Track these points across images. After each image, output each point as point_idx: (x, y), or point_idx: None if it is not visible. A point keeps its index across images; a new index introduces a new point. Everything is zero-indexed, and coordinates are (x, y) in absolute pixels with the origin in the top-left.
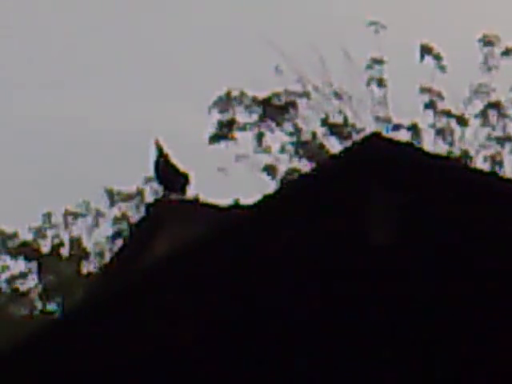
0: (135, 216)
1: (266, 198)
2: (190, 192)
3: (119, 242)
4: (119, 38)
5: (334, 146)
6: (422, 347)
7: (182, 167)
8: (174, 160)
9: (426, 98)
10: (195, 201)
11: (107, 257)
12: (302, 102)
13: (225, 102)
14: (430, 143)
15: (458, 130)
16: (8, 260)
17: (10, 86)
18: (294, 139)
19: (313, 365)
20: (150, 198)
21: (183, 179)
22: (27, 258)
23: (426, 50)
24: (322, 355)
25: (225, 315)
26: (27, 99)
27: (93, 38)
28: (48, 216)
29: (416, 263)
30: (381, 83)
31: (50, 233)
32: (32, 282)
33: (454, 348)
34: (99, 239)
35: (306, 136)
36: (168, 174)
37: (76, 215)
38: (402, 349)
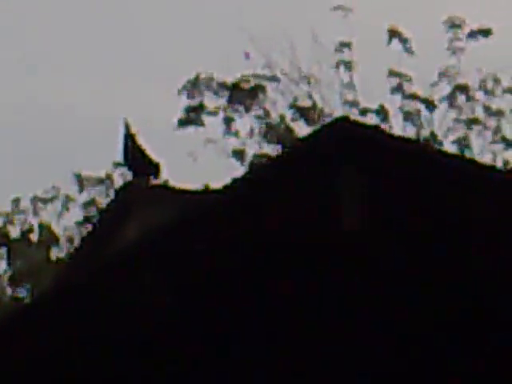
0: (104, 201)
1: (235, 182)
2: (160, 177)
3: (88, 227)
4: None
5: (303, 129)
6: (395, 334)
7: (152, 153)
8: (144, 144)
9: (394, 81)
10: (164, 185)
11: (77, 242)
12: (270, 86)
13: (193, 86)
14: (399, 127)
15: (426, 113)
16: None
17: None
18: (263, 123)
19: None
20: (119, 182)
21: (152, 164)
22: None
23: (393, 34)
24: (298, 340)
25: (194, 300)
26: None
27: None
28: (17, 202)
29: (386, 247)
30: (349, 67)
31: (18, 218)
32: (1, 268)
33: (427, 335)
34: (69, 224)
35: (274, 120)
36: (136, 156)
37: (45, 200)
38: (372, 334)
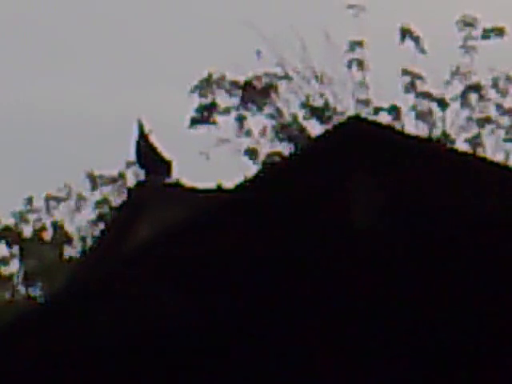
0: (117, 200)
1: (247, 182)
2: (173, 176)
3: (101, 226)
4: (101, 22)
5: (315, 128)
6: (409, 331)
7: (164, 152)
8: (156, 143)
9: (406, 80)
10: (177, 184)
11: (90, 241)
12: (282, 85)
13: (205, 85)
14: (411, 126)
15: (438, 111)
16: None
17: None
18: (275, 122)
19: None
20: (131, 181)
21: (165, 163)
22: (9, 243)
23: (405, 33)
24: (310, 340)
25: (209, 299)
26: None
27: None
28: (30, 200)
29: (400, 246)
30: (361, 66)
31: (31, 217)
32: (14, 266)
33: (438, 331)
34: (81, 223)
35: (286, 119)
36: (148, 155)
37: (58, 199)
38: (388, 332)
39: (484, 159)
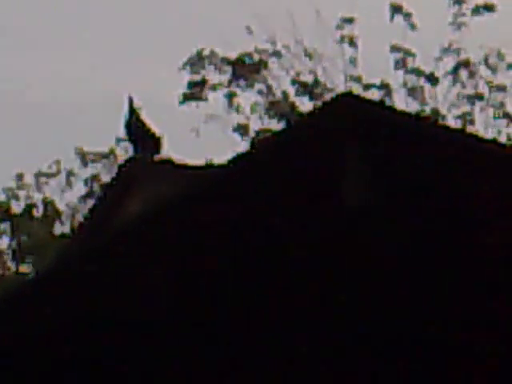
0: (107, 176)
1: (238, 158)
2: (163, 153)
3: (92, 203)
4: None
5: (306, 105)
6: (397, 309)
7: (154, 128)
8: (147, 119)
9: (397, 57)
10: (167, 160)
11: (80, 217)
12: (273, 62)
13: (196, 61)
14: (402, 102)
15: (429, 88)
16: None
17: None
18: (265, 99)
19: (287, 324)
20: (122, 158)
21: (155, 140)
22: (0, 219)
23: (395, 9)
24: (297, 323)
25: (198, 274)
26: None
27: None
28: (20, 177)
29: (389, 224)
30: (352, 42)
31: (22, 194)
32: (5, 242)
33: (427, 309)
34: (72, 200)
35: (277, 95)
36: (138, 131)
37: (48, 176)
38: (378, 310)
39: (474, 136)
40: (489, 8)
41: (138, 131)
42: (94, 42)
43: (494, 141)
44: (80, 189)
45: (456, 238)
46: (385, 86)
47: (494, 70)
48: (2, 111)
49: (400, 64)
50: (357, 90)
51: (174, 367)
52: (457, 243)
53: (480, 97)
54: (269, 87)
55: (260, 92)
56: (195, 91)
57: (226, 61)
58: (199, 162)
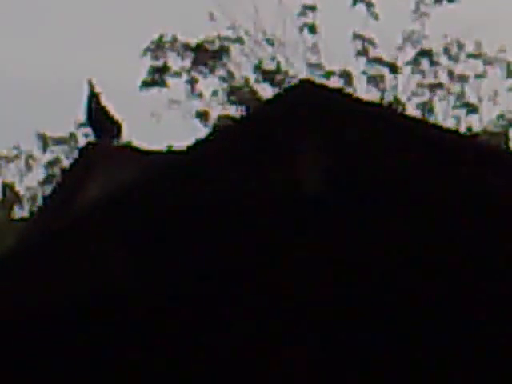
0: (68, 161)
1: (198, 144)
2: (123, 138)
3: (51, 187)
4: None
5: (267, 92)
6: (360, 298)
7: (115, 114)
8: (107, 104)
9: (358, 45)
10: (128, 146)
11: (40, 202)
12: (234, 48)
13: (157, 47)
14: (363, 90)
15: (390, 77)
16: None
17: None
18: (226, 85)
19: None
20: (82, 142)
21: (116, 125)
22: None
23: None
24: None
25: (155, 261)
26: None
27: None
28: None
29: (349, 211)
30: (313, 30)
31: None
32: None
33: (388, 293)
34: (32, 184)
35: (238, 82)
36: (99, 116)
37: (8, 159)
38: (339, 300)
39: (434, 125)
40: None
41: (98, 116)
42: (55, 25)
43: (453, 130)
44: (40, 173)
45: (415, 222)
46: (345, 74)
47: (454, 59)
48: None
49: (361, 52)
50: (318, 77)
51: (135, 354)
52: (414, 229)
53: (440, 86)
54: (230, 73)
55: (221, 78)
56: (156, 77)
57: (187, 47)
58: (160, 147)
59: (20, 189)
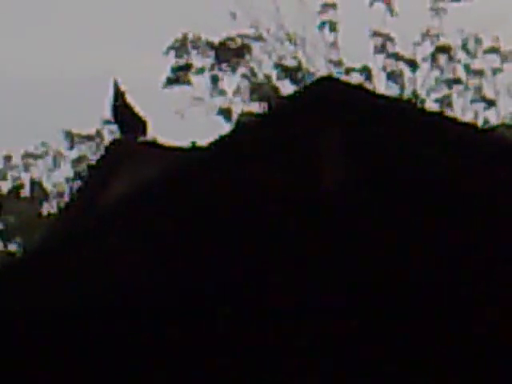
0: (94, 157)
1: (221, 140)
2: (148, 135)
3: (78, 183)
4: None
5: (288, 88)
6: (376, 288)
7: (139, 111)
8: (132, 102)
9: (377, 41)
10: (153, 142)
11: (67, 198)
12: (256, 46)
13: (180, 46)
14: (382, 86)
15: (408, 72)
16: None
17: None
18: (248, 82)
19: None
20: (108, 139)
21: (141, 122)
22: None
23: None
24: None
25: (181, 255)
26: None
27: None
28: (8, 158)
29: (366, 207)
30: (333, 27)
31: (10, 174)
32: None
33: (406, 296)
34: (59, 180)
35: (259, 79)
36: (124, 113)
37: (36, 157)
38: (352, 291)
39: (453, 119)
40: None
41: (124, 114)
42: (81, 26)
43: (471, 124)
44: (67, 170)
45: (433, 220)
46: (365, 70)
47: (471, 54)
48: None
49: (380, 49)
50: (338, 74)
51: (160, 352)
52: (435, 226)
53: (458, 81)
54: (252, 71)
55: (243, 75)
56: (180, 75)
57: (210, 45)
58: (184, 144)
59: (48, 185)
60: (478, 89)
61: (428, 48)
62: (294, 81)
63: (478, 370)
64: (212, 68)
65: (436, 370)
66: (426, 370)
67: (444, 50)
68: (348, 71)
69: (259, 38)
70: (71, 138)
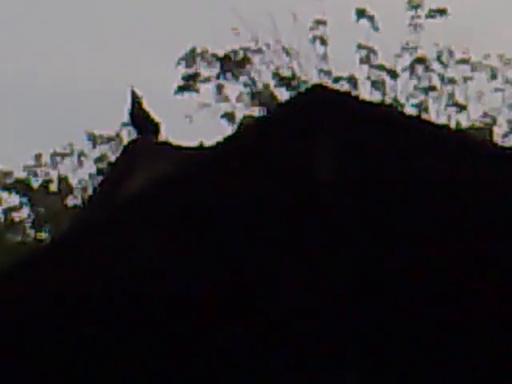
0: (114, 156)
1: (225, 140)
2: (161, 136)
3: (100, 179)
4: None
5: (284, 95)
6: (369, 284)
7: (154, 115)
8: (147, 107)
9: (362, 53)
10: (165, 142)
11: (89, 192)
12: (256, 58)
13: (190, 57)
14: (367, 93)
15: (390, 81)
16: (5, 195)
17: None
18: (249, 90)
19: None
20: (126, 140)
21: (155, 125)
22: (21, 193)
23: (361, 13)
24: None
25: (194, 246)
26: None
27: None
28: (38, 157)
29: (357, 197)
30: (323, 41)
31: (40, 171)
32: (25, 213)
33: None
34: (83, 177)
35: (259, 87)
36: (141, 119)
37: (63, 156)
38: (349, 284)
39: (428, 122)
40: (441, 12)
41: (140, 117)
42: (105, 41)
43: (445, 126)
44: (90, 167)
45: (418, 214)
46: (352, 79)
47: (445, 65)
48: (19, 98)
49: (365, 60)
50: (327, 82)
51: (176, 340)
52: (415, 219)
53: (433, 88)
54: (252, 80)
55: (244, 84)
56: (189, 83)
57: (216, 57)
58: (192, 144)
59: (73, 181)
60: (451, 95)
61: (407, 59)
62: (289, 88)
63: (478, 370)
64: (217, 77)
65: (435, 370)
66: (425, 370)
67: (421, 61)
68: (337, 80)
69: (259, 51)
70: (94, 139)
